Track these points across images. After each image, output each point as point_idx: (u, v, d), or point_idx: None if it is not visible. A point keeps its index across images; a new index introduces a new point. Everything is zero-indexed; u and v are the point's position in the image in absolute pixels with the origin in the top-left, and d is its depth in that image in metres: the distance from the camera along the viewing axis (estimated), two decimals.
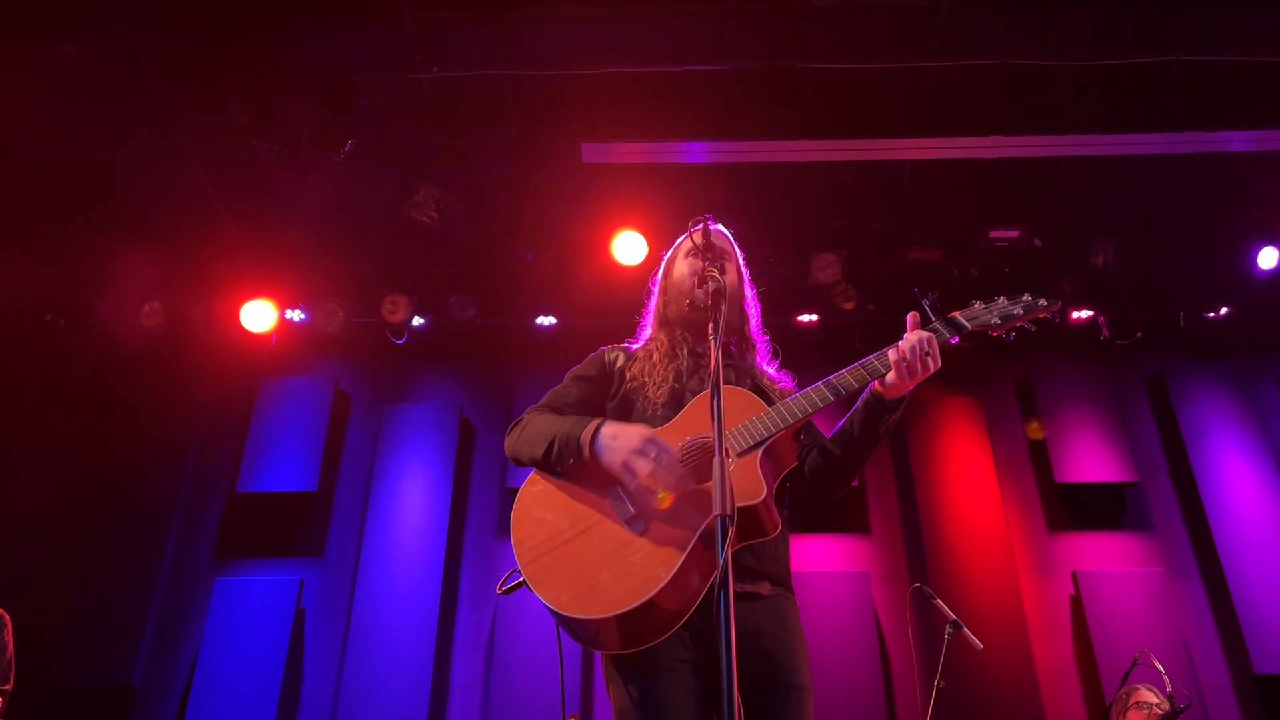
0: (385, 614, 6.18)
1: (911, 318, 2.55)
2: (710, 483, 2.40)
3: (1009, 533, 6.57)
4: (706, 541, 2.33)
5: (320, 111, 5.42)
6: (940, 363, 2.48)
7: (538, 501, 2.56)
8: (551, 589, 2.36)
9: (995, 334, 2.63)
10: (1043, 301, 2.65)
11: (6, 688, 4.21)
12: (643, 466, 2.38)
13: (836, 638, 6.00)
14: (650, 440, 2.41)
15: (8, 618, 4.36)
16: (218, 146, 5.86)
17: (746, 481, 2.37)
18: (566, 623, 2.36)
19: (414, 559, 6.38)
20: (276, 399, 7.00)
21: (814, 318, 6.92)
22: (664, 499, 2.40)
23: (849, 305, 6.80)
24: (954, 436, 6.95)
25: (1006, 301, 2.64)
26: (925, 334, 2.48)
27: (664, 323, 2.97)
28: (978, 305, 2.65)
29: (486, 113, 5.78)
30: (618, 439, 2.45)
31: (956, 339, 2.58)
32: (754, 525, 2.40)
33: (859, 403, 2.58)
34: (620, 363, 2.89)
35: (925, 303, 2.59)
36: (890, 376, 2.46)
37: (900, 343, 2.47)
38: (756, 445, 2.45)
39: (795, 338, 6.73)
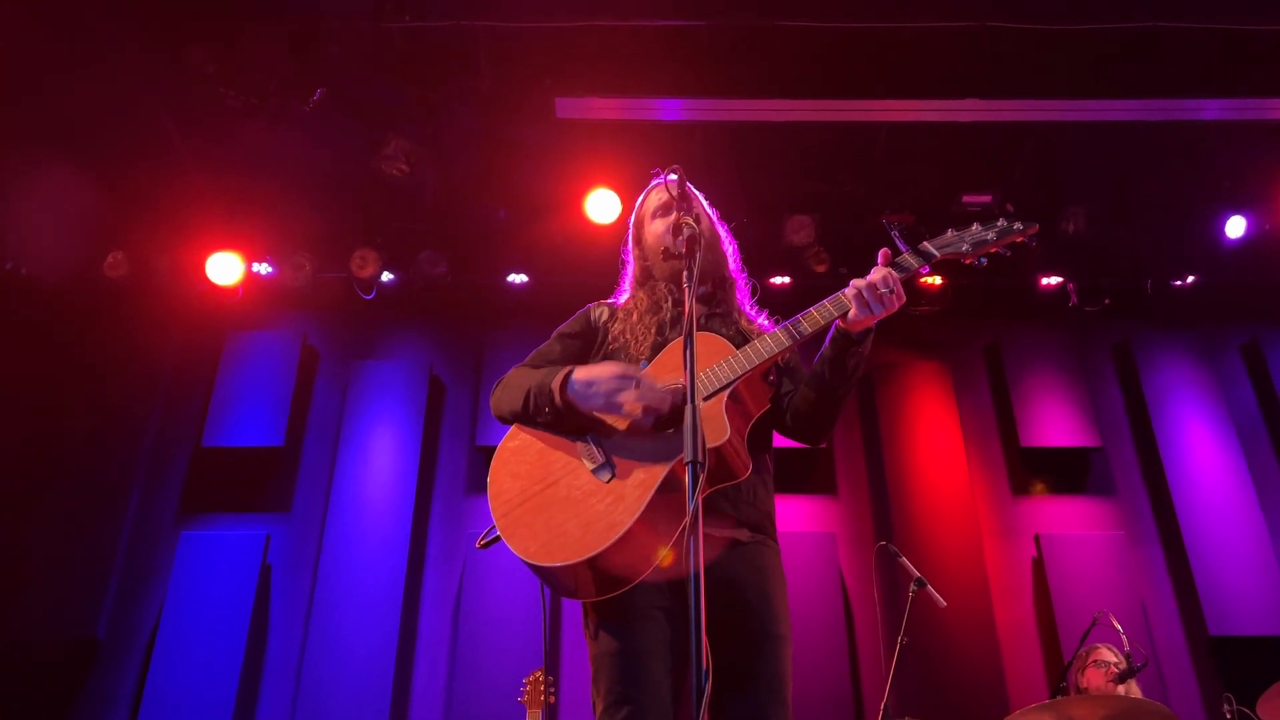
0: (352, 569, 6.17)
1: (882, 254, 2.51)
2: (673, 431, 2.42)
3: (974, 496, 6.64)
4: (669, 486, 2.34)
5: (288, 60, 5.32)
6: (904, 298, 2.45)
7: (513, 456, 2.58)
8: (521, 540, 2.40)
9: (968, 261, 2.57)
10: (1018, 225, 2.55)
11: None
12: (628, 398, 2.39)
13: (802, 597, 6.03)
14: (623, 375, 2.42)
15: None
16: (182, 92, 5.73)
17: (710, 424, 2.38)
18: (539, 573, 2.39)
19: (382, 515, 6.36)
20: (243, 353, 6.91)
21: (786, 280, 6.91)
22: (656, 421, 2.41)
23: (822, 268, 6.79)
24: (922, 400, 7.00)
25: (980, 227, 2.57)
26: (888, 270, 2.45)
27: (644, 281, 2.95)
28: (950, 233, 2.59)
29: (459, 64, 5.69)
30: (593, 384, 2.46)
31: (927, 268, 2.54)
32: (721, 468, 2.40)
33: (826, 340, 2.57)
34: (605, 318, 2.88)
35: (894, 232, 2.56)
36: (852, 312, 2.44)
37: (863, 278, 2.45)
38: (721, 389, 2.45)
39: (768, 300, 6.69)
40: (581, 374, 2.50)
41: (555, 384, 2.50)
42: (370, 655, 5.91)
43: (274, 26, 5.35)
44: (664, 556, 2.33)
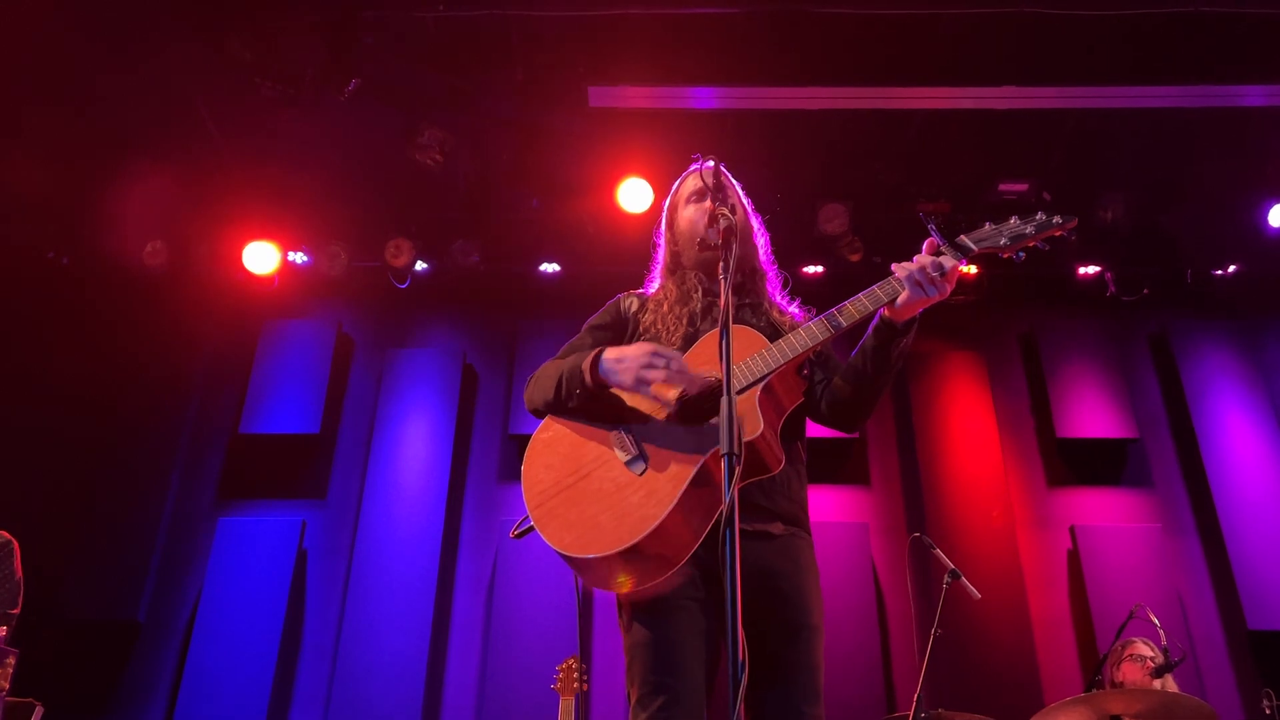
0: (387, 556, 6.23)
1: (928, 244, 2.48)
2: (707, 425, 2.43)
3: (1008, 486, 6.59)
4: (703, 479, 2.34)
5: (323, 49, 5.35)
6: (954, 284, 2.43)
7: (546, 448, 2.59)
8: (554, 531, 2.41)
9: (1006, 255, 2.51)
10: (1057, 219, 2.49)
11: (14, 611, 4.29)
12: (656, 376, 2.40)
13: (834, 587, 6.00)
14: (655, 352, 2.43)
15: (15, 544, 4.43)
16: (219, 83, 5.78)
17: (744, 418, 2.37)
18: (573, 564, 2.40)
19: (416, 502, 6.42)
20: (279, 341, 6.98)
21: (820, 269, 6.88)
22: (684, 396, 2.42)
23: (855, 257, 6.75)
24: (956, 390, 6.95)
25: (1018, 221, 2.52)
26: (932, 257, 2.44)
27: (674, 269, 2.94)
28: (987, 226, 2.54)
29: (492, 53, 5.70)
30: (623, 360, 2.46)
31: (965, 262, 2.49)
32: (755, 462, 2.41)
33: (869, 330, 2.54)
34: (636, 309, 2.87)
35: (931, 226, 2.53)
36: (903, 295, 2.41)
37: (909, 262, 2.43)
38: (754, 383, 2.44)
39: (801, 289, 6.70)
40: (612, 353, 2.51)
41: (586, 364, 2.51)
42: (404, 640, 5.98)
43: (310, 16, 5.38)
44: (677, 557, 2.34)
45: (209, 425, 6.90)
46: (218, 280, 6.98)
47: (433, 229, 6.90)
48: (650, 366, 2.41)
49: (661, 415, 2.48)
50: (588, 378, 2.50)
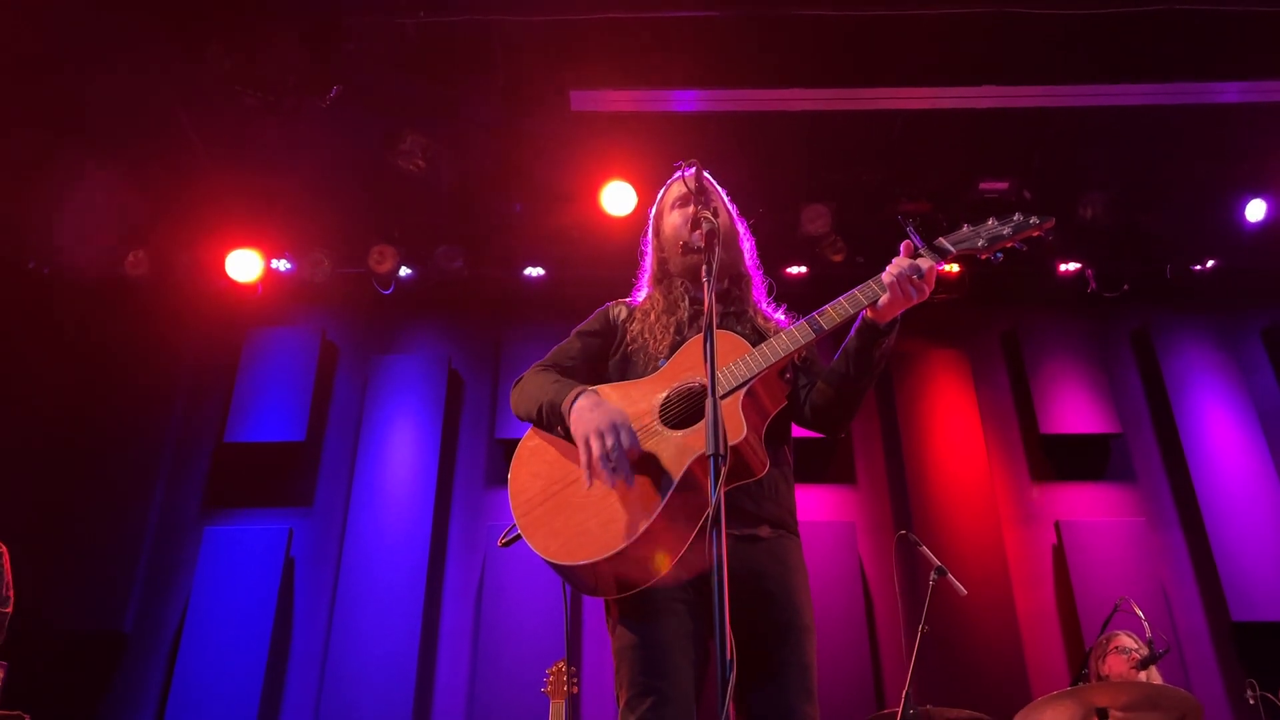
0: (375, 563, 6.22)
1: (905, 246, 2.51)
2: (690, 430, 2.43)
3: (993, 483, 6.63)
4: (687, 485, 2.34)
5: (305, 57, 5.34)
6: (933, 285, 2.46)
7: (533, 456, 2.60)
8: (541, 539, 2.42)
9: (984, 256, 2.56)
10: (1034, 220, 2.54)
11: (6, 610, 4.30)
12: (595, 448, 2.36)
13: (822, 586, 6.05)
14: (615, 426, 2.38)
15: (4, 549, 4.45)
16: (200, 91, 5.76)
17: (727, 423, 2.38)
18: (560, 571, 2.41)
19: (403, 509, 6.41)
20: (263, 349, 6.96)
21: (803, 270, 6.90)
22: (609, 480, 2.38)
23: (838, 257, 6.78)
24: (940, 388, 6.99)
25: (996, 222, 2.56)
26: (911, 260, 2.46)
27: (661, 277, 2.95)
28: (965, 228, 2.58)
29: (474, 59, 5.69)
30: (592, 411, 2.43)
31: (942, 264, 2.53)
32: (739, 466, 2.41)
33: (852, 331, 2.56)
34: (624, 317, 2.88)
35: (909, 229, 2.56)
36: (884, 299, 2.44)
37: (893, 266, 2.45)
38: (737, 387, 2.45)
39: (783, 290, 6.72)
40: (586, 400, 2.48)
41: (565, 406, 2.50)
42: (393, 647, 5.97)
43: (291, 23, 5.37)
44: (663, 563, 2.34)
45: (193, 434, 6.87)
46: (200, 289, 6.95)
47: (416, 235, 6.89)
48: (600, 435, 2.36)
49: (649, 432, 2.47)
50: (568, 420, 2.48)
